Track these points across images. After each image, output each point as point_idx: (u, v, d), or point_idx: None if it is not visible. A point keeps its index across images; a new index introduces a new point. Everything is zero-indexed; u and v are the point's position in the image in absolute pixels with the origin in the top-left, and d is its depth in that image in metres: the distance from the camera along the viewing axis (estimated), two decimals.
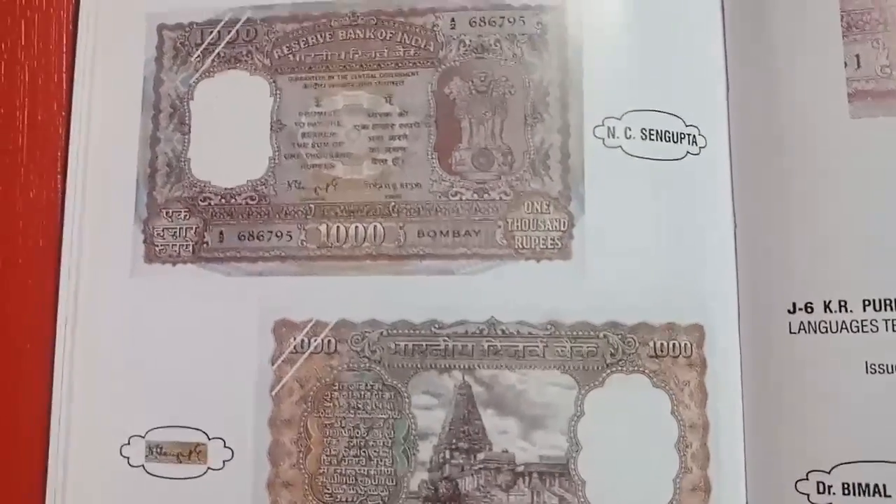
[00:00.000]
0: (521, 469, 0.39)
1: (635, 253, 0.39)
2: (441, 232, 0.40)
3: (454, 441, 0.39)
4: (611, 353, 0.39)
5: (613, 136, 0.40)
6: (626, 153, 0.40)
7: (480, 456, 0.39)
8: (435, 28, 0.42)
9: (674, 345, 0.39)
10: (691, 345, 0.39)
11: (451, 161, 0.41)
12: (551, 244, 0.40)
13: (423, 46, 0.42)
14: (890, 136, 0.38)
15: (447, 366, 0.40)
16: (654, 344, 0.39)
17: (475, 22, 0.41)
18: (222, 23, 0.43)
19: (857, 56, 0.39)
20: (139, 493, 0.40)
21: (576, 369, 0.39)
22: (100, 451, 0.41)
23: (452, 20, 0.42)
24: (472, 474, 0.39)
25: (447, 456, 0.39)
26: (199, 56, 0.43)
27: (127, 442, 0.41)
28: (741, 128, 0.41)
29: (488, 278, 0.40)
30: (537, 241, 0.40)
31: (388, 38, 0.42)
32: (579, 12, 0.41)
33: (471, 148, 0.41)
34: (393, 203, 0.41)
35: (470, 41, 0.41)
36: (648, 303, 0.39)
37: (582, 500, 0.38)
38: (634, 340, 0.39)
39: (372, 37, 0.42)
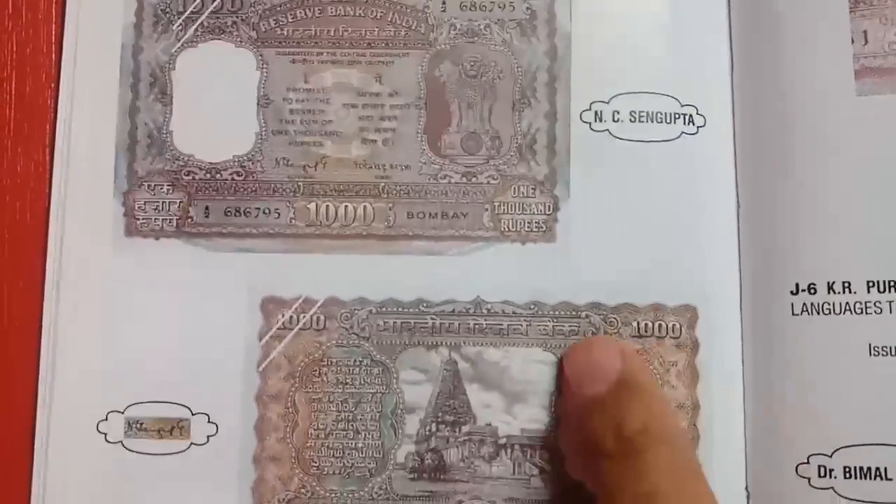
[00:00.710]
0: (503, 441, 0.40)
1: (622, 235, 0.41)
2: (430, 214, 0.41)
3: (440, 415, 0.40)
4: (592, 333, 0.41)
5: (600, 119, 0.41)
6: (614, 136, 0.41)
7: (465, 429, 0.40)
8: (426, 10, 0.42)
9: (660, 325, 0.40)
10: (680, 326, 0.40)
11: (441, 144, 0.42)
12: (536, 227, 0.41)
13: (413, 27, 0.42)
14: None
15: (434, 343, 0.41)
16: (639, 324, 0.41)
17: (465, 6, 0.42)
18: None
19: (865, 32, 0.39)
20: (118, 469, 0.40)
21: (557, 347, 0.41)
22: (76, 427, 0.40)
23: (443, 3, 0.42)
24: (456, 446, 0.40)
25: (433, 429, 0.40)
26: (181, 25, 0.42)
27: (104, 417, 0.40)
28: (745, 106, 0.41)
29: (475, 259, 0.41)
30: (523, 224, 0.41)
31: (378, 16, 0.42)
32: None
33: (460, 131, 0.42)
34: (383, 184, 0.41)
35: (461, 25, 0.42)
36: (634, 284, 0.40)
37: (561, 471, 0.40)
38: (617, 321, 0.41)
39: (362, 14, 0.42)
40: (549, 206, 0.41)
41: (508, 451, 0.40)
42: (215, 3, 0.42)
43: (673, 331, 0.40)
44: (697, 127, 0.41)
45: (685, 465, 0.35)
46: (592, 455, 0.35)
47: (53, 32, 0.42)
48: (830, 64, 0.39)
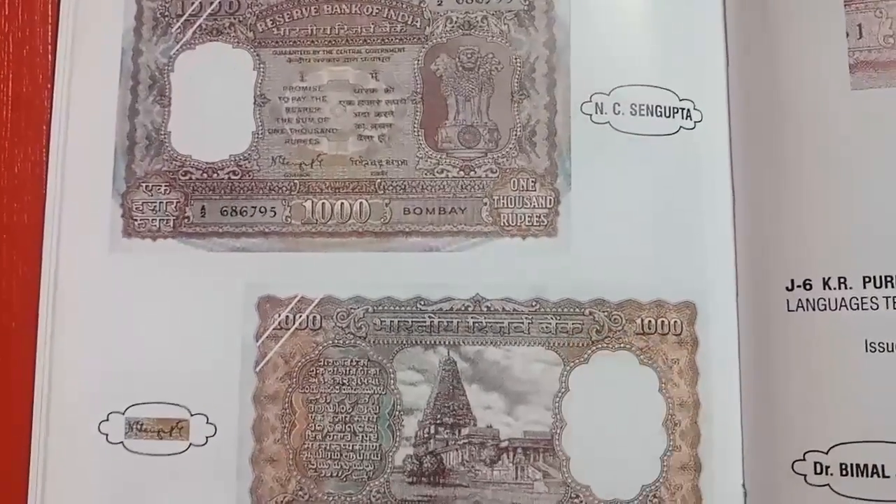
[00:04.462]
0: (505, 444, 0.39)
1: (623, 230, 0.39)
2: (427, 209, 0.40)
3: (439, 416, 0.39)
4: (596, 330, 0.39)
5: (601, 111, 0.40)
6: (615, 129, 0.40)
7: (465, 431, 0.39)
8: (422, 4, 0.41)
9: (662, 322, 0.39)
10: (682, 322, 0.39)
11: (438, 138, 0.41)
12: (537, 221, 0.40)
13: (409, 22, 0.41)
14: (892, 108, 0.37)
15: (432, 342, 0.40)
16: (642, 321, 0.39)
17: None
18: None
19: (860, 26, 0.38)
20: (118, 469, 0.40)
21: (561, 346, 0.39)
22: (77, 427, 0.40)
23: None
24: (456, 449, 0.39)
25: (432, 431, 0.39)
26: (179, 27, 0.42)
27: (105, 418, 0.40)
28: (740, 101, 0.40)
29: (474, 255, 0.40)
30: (523, 218, 0.40)
31: (374, 13, 0.41)
32: None
33: (457, 125, 0.41)
34: (379, 180, 0.41)
35: (457, 17, 0.41)
36: (636, 280, 0.39)
37: (566, 475, 0.38)
38: (621, 317, 0.39)
39: (358, 12, 0.42)
40: (550, 200, 0.40)
41: (510, 454, 0.39)
42: (213, 6, 0.42)
43: (675, 328, 0.39)
44: (695, 122, 0.40)
45: None
46: None
47: (50, 33, 0.42)
48: (825, 58, 0.39)
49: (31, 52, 0.42)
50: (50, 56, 0.42)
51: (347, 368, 0.40)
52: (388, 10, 0.41)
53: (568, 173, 0.40)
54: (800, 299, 0.38)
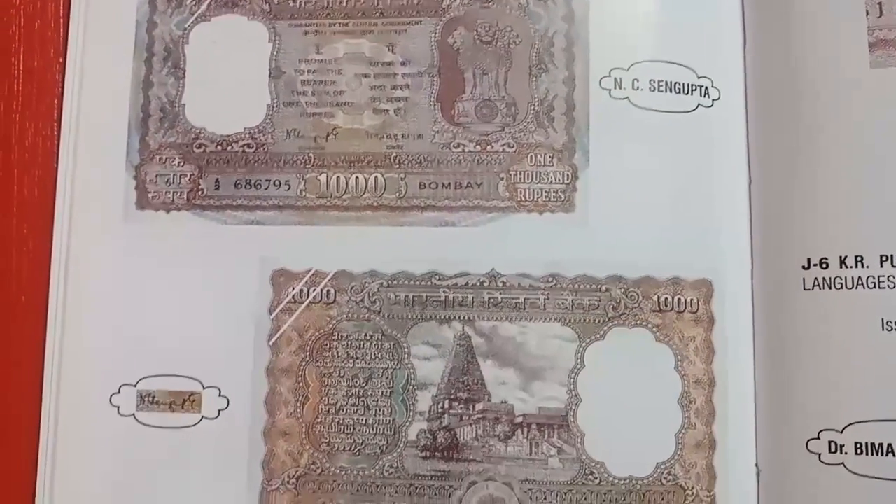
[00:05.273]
0: (519, 420, 0.39)
1: (641, 206, 0.39)
2: (443, 184, 0.40)
3: (453, 391, 0.39)
4: (612, 307, 0.39)
5: (620, 87, 0.40)
6: (633, 105, 0.40)
7: (479, 406, 0.39)
8: None
9: (679, 300, 0.39)
10: (698, 300, 0.39)
11: (454, 112, 0.40)
12: (554, 197, 0.40)
13: None
14: None
15: (447, 317, 0.39)
16: (659, 298, 0.39)
17: None
18: None
19: (880, 4, 0.38)
20: (129, 442, 0.40)
21: (576, 322, 0.39)
22: (89, 400, 0.40)
23: None
24: (470, 424, 0.39)
25: (446, 406, 0.39)
26: None
27: (117, 391, 0.40)
28: (757, 79, 0.40)
29: (490, 230, 0.40)
30: (540, 193, 0.40)
31: None
32: None
33: (474, 99, 0.40)
34: (394, 154, 0.40)
35: None
36: (653, 257, 0.39)
37: (581, 451, 0.38)
38: (638, 294, 0.39)
39: None
40: (568, 175, 0.40)
41: (525, 430, 0.39)
42: None
43: (691, 305, 0.39)
44: (713, 100, 0.40)
45: None
46: None
47: (61, 7, 0.42)
48: (844, 36, 0.38)
49: (43, 25, 0.42)
50: (62, 30, 0.42)
51: (361, 342, 0.39)
52: None
53: (586, 149, 0.40)
54: (816, 278, 0.37)
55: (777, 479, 0.38)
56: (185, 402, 0.40)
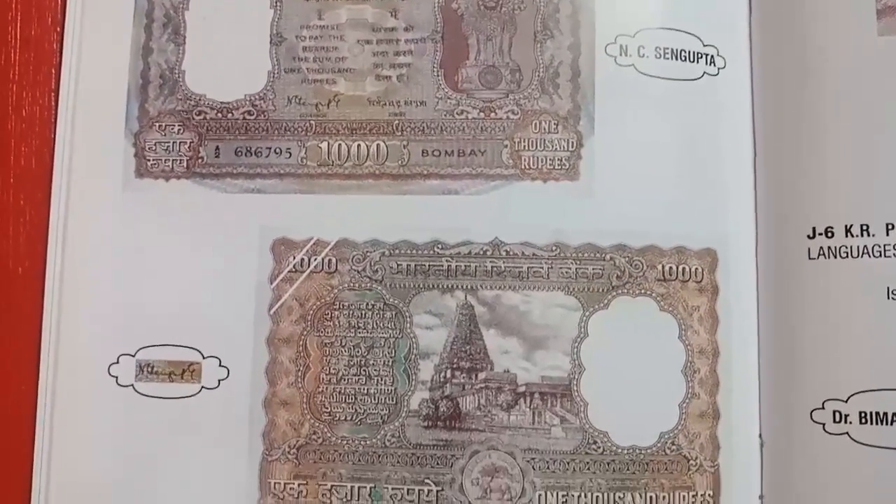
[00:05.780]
0: (522, 389, 0.39)
1: (646, 175, 0.39)
2: (446, 151, 0.39)
3: (455, 360, 0.39)
4: (616, 276, 0.39)
5: (626, 54, 0.39)
6: (639, 72, 0.39)
7: (482, 375, 0.39)
8: None
9: (683, 269, 0.38)
10: (702, 269, 0.38)
11: (458, 78, 0.40)
12: (559, 164, 0.39)
13: None
14: None
15: (449, 286, 0.39)
16: (663, 267, 0.38)
17: None
18: None
19: None
20: (128, 413, 0.39)
21: (580, 291, 0.39)
22: (87, 370, 0.39)
23: None
24: (472, 393, 0.39)
25: (448, 375, 0.39)
26: None
27: (116, 361, 0.40)
28: (763, 47, 0.39)
29: (493, 199, 0.39)
30: (544, 161, 0.39)
31: None
32: None
33: (478, 65, 0.40)
34: (397, 121, 0.40)
35: None
36: (658, 226, 0.38)
37: (584, 421, 0.38)
38: (642, 263, 0.38)
39: None
40: (573, 143, 0.39)
41: (527, 399, 0.38)
42: None
43: (696, 275, 0.38)
44: (718, 69, 0.40)
45: None
46: None
47: None
48: (852, 3, 0.38)
49: None
50: None
51: (363, 312, 0.39)
52: None
53: (591, 116, 0.39)
54: (821, 247, 0.37)
55: (781, 449, 0.37)
56: (185, 372, 0.39)
